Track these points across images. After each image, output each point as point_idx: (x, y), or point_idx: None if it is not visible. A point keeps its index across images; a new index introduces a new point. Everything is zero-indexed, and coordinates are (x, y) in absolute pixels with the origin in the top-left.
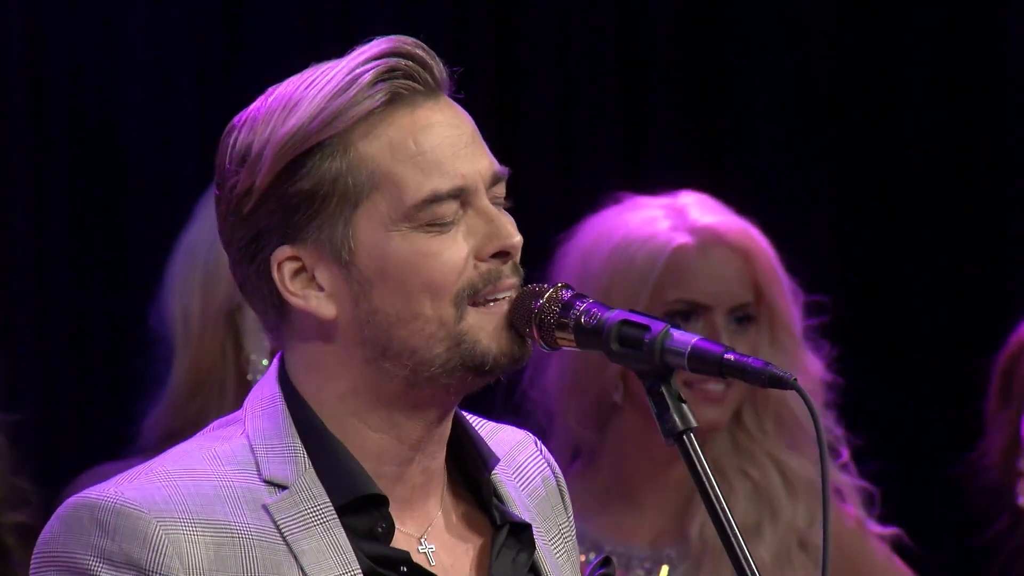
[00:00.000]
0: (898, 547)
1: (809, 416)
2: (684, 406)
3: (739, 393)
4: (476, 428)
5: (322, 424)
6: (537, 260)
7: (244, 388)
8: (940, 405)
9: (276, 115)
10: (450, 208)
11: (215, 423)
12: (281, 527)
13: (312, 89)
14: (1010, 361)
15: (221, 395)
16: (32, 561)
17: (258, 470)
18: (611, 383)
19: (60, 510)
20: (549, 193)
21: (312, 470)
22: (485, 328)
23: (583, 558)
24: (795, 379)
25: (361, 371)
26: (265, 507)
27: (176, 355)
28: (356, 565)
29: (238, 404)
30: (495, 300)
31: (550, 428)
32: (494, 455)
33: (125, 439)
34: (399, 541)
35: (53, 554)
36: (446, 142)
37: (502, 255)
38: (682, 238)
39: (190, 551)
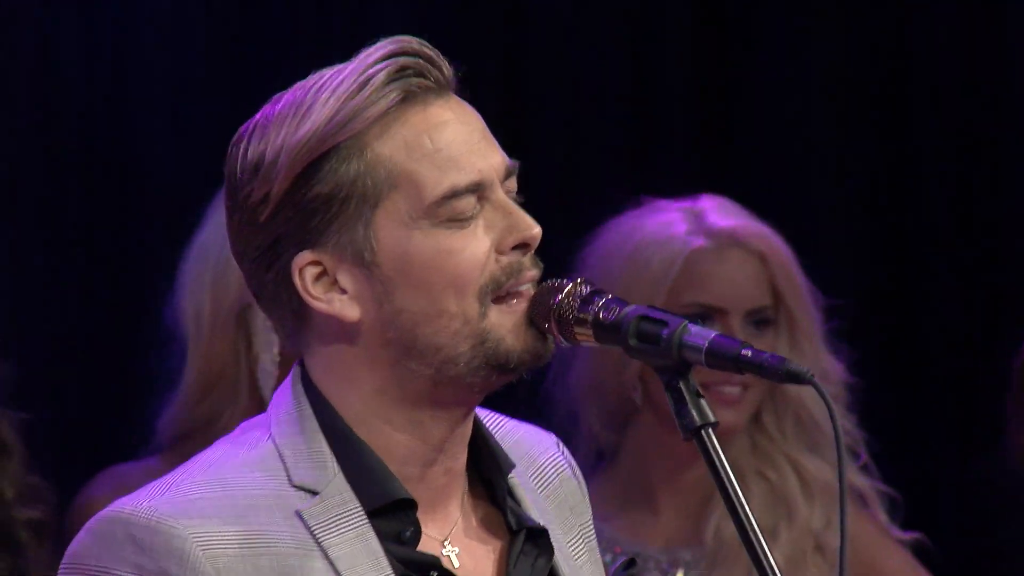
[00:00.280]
0: (920, 551)
1: (828, 418)
2: (702, 401)
3: (756, 396)
4: (496, 427)
5: (348, 427)
6: (546, 263)
7: (256, 388)
8: (960, 407)
9: (288, 121)
10: (468, 203)
11: (239, 428)
12: (315, 533)
13: (323, 92)
14: None
15: (234, 395)
16: (60, 571)
17: (288, 476)
18: (630, 384)
19: (92, 524)
20: (559, 196)
21: (341, 474)
22: (507, 326)
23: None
24: (812, 374)
25: (386, 372)
26: (298, 513)
27: (188, 355)
28: (389, 570)
29: (250, 404)
30: (517, 293)
31: (573, 429)
32: (510, 460)
33: (139, 438)
34: (424, 544)
35: (84, 568)
36: (460, 138)
37: (523, 247)
38: (698, 241)
39: (227, 565)
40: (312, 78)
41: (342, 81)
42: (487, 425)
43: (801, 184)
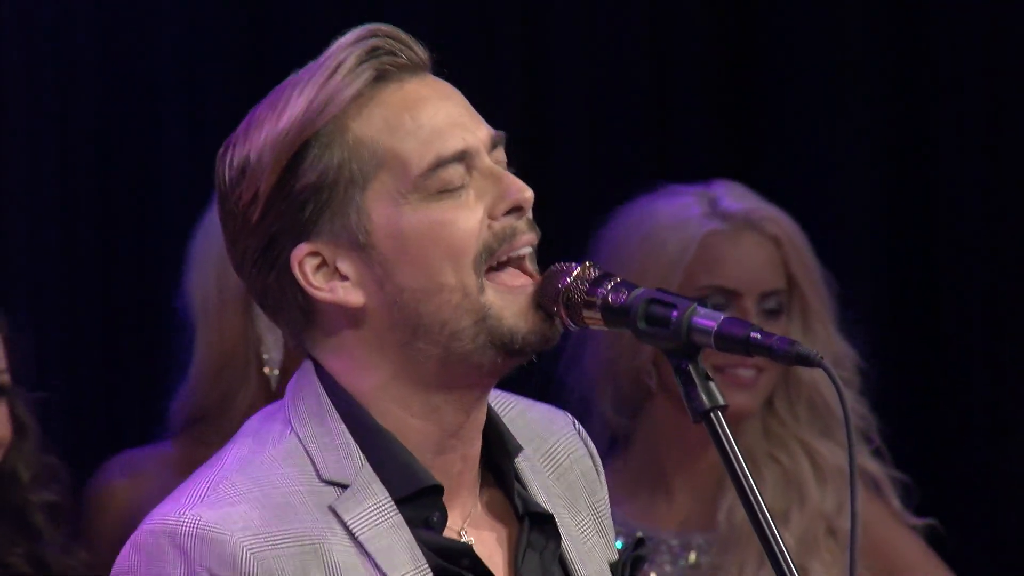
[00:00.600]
0: (932, 537)
1: (840, 403)
2: (712, 384)
3: (770, 379)
4: (509, 408)
5: (369, 415)
6: (568, 252)
7: (264, 371)
8: (978, 393)
9: (267, 120)
10: (456, 172)
11: (255, 420)
12: (351, 528)
13: (297, 87)
14: None
15: (244, 377)
16: None
17: (316, 471)
18: (644, 368)
19: (137, 539)
20: (579, 185)
21: (368, 465)
22: (509, 307)
23: None
24: (822, 357)
25: (396, 356)
26: (332, 509)
27: (197, 337)
28: (424, 560)
29: (260, 387)
30: (515, 260)
31: (586, 416)
32: (517, 444)
33: (152, 418)
34: (445, 533)
35: None
36: (441, 112)
37: (516, 211)
38: (713, 224)
39: (277, 567)
40: (287, 80)
41: (315, 72)
42: (499, 405)
43: (821, 170)
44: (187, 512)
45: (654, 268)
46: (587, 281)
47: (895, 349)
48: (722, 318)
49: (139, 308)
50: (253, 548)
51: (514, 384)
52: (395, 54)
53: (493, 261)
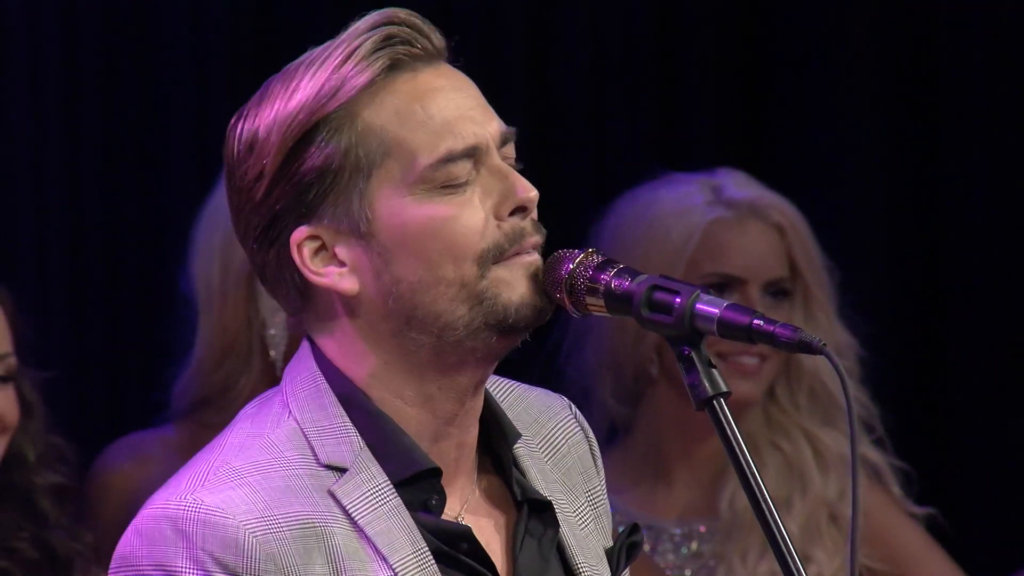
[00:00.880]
0: (932, 526)
1: (842, 390)
2: (715, 371)
3: (773, 367)
4: (507, 393)
5: (367, 399)
6: (572, 244)
7: (267, 354)
8: (978, 383)
9: (278, 97)
10: (464, 168)
11: (253, 405)
12: (350, 511)
13: (312, 67)
14: None
15: (247, 360)
16: (111, 573)
17: (315, 455)
18: (647, 357)
19: (138, 524)
20: (583, 175)
21: (366, 448)
22: (506, 279)
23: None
24: (824, 344)
25: (389, 344)
26: (331, 493)
27: (201, 321)
28: (423, 543)
29: (263, 370)
30: (522, 255)
31: (586, 406)
32: (516, 431)
33: (155, 401)
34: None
35: (137, 568)
36: (452, 104)
37: (521, 211)
38: (718, 212)
39: (280, 550)
40: (303, 56)
41: (329, 55)
42: (497, 390)
43: (825, 161)
44: (188, 496)
45: (658, 256)
46: (590, 267)
47: (896, 338)
48: (725, 305)
49: (143, 292)
50: (255, 531)
51: (516, 374)
52: (410, 43)
53: (503, 258)
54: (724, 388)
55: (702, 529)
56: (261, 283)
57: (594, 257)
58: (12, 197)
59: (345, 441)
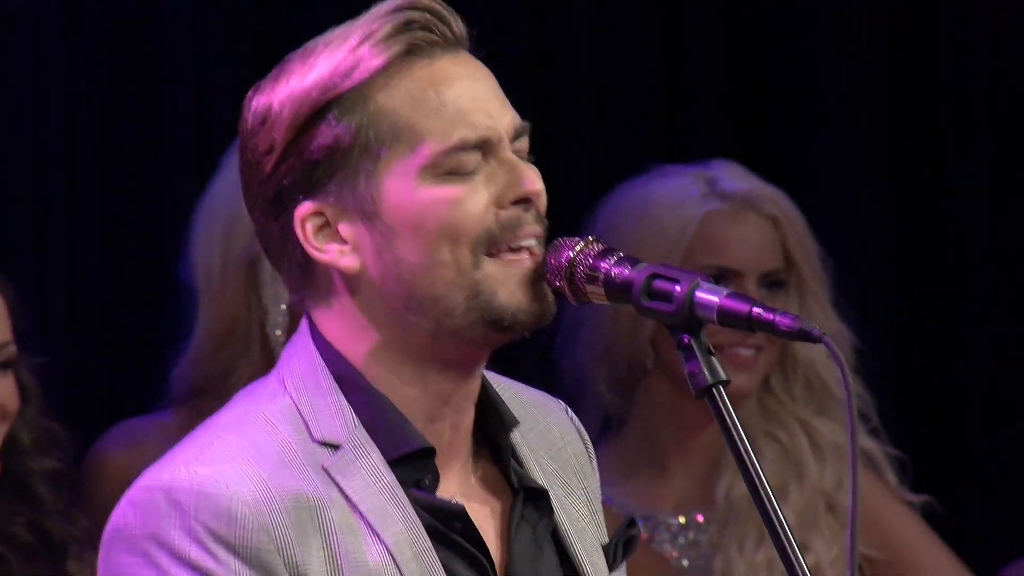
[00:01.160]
0: (928, 514)
1: (838, 382)
2: (714, 360)
3: (768, 359)
4: (503, 389)
5: (363, 377)
6: (568, 234)
7: (267, 342)
8: (974, 372)
9: (294, 73)
10: (473, 158)
11: (249, 386)
12: (343, 488)
13: (329, 46)
14: None
15: (247, 347)
16: (103, 545)
17: (308, 431)
18: (642, 349)
19: (132, 495)
20: (582, 171)
21: (361, 426)
22: (502, 282)
23: None
24: (823, 333)
25: (387, 325)
26: (325, 469)
27: (200, 306)
28: (416, 520)
29: (263, 357)
30: (516, 250)
31: (580, 397)
32: (514, 418)
33: (154, 387)
34: None
35: (131, 538)
36: (467, 94)
37: (524, 202)
38: (713, 204)
39: (274, 521)
40: (323, 34)
41: (348, 35)
42: (495, 386)
43: (824, 148)
44: (183, 468)
45: (653, 248)
46: (590, 255)
47: (891, 328)
48: (725, 293)
49: (143, 277)
50: (249, 502)
51: (510, 364)
52: (430, 29)
53: (494, 248)
54: (724, 376)
55: (699, 519)
56: (266, 255)
57: (594, 245)
58: (9, 182)
59: (339, 418)
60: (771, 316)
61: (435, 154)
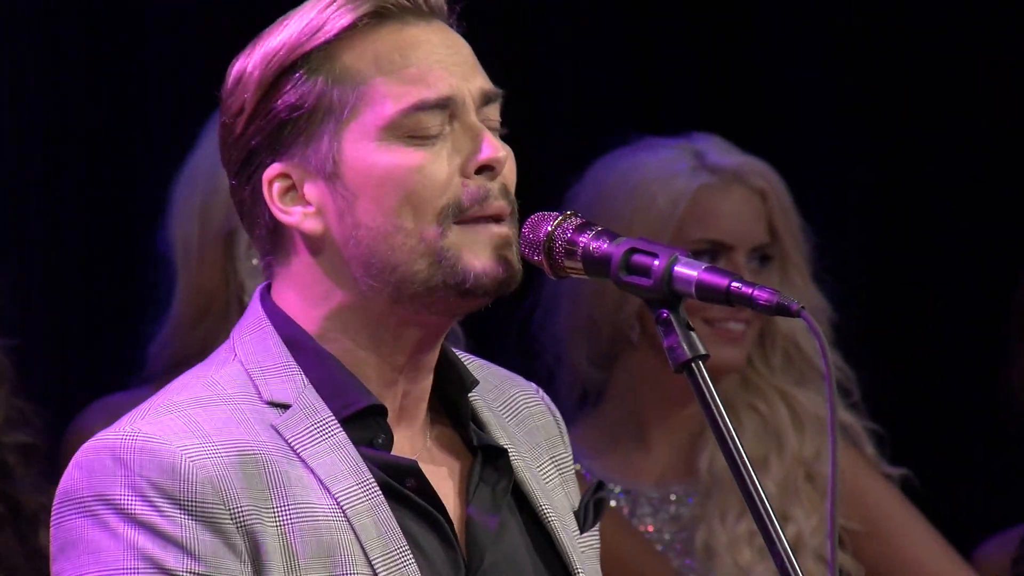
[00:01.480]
0: (905, 486)
1: (817, 353)
2: (693, 334)
3: (755, 332)
4: (469, 362)
5: (313, 340)
6: (549, 206)
7: None
8: (950, 344)
9: (266, 37)
10: (435, 120)
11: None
12: (292, 444)
13: (301, 11)
14: None
15: (224, 321)
16: (54, 512)
17: (258, 392)
18: (628, 323)
19: (78, 458)
20: (561, 141)
21: (311, 387)
22: (467, 246)
23: None
24: (802, 307)
25: (347, 288)
26: (274, 427)
27: (178, 280)
28: (368, 475)
29: None
30: (484, 218)
31: (558, 371)
32: (474, 379)
33: (132, 361)
34: None
35: (79, 500)
36: (435, 58)
37: (487, 170)
38: (703, 178)
39: (219, 474)
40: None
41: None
42: (463, 361)
43: (799, 124)
44: (126, 427)
45: (643, 222)
46: (568, 229)
47: (869, 300)
48: (704, 267)
49: (120, 252)
50: (193, 456)
51: (490, 338)
52: None
53: (464, 217)
54: (702, 351)
55: (681, 492)
56: (240, 220)
57: (572, 219)
58: None
59: (289, 379)
60: (749, 290)
61: (394, 114)
